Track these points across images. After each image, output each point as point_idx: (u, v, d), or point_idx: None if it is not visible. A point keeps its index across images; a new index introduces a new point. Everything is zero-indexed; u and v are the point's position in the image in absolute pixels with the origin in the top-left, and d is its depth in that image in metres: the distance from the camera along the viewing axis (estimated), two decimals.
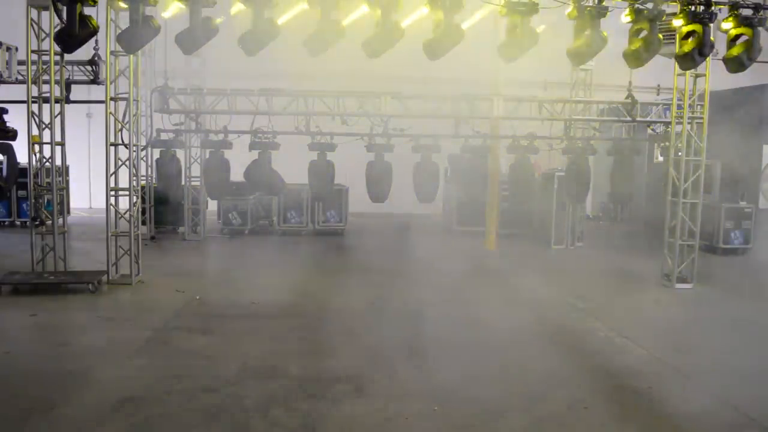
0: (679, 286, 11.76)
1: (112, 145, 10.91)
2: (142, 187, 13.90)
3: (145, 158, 15.73)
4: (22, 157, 11.03)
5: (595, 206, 22.66)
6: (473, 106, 12.86)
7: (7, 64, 10.51)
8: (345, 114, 12.43)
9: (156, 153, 14.62)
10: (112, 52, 10.62)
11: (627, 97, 13.17)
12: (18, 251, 12.41)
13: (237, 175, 12.89)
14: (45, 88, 10.78)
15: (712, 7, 8.75)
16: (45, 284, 10.55)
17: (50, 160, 10.96)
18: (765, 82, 15.92)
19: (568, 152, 13.66)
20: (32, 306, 9.56)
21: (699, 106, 11.81)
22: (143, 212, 14.85)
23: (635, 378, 7.21)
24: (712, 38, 8.94)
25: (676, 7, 9.04)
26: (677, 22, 9.00)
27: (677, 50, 9.14)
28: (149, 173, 16.48)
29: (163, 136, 13.09)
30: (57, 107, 10.89)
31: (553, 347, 8.30)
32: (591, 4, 8.72)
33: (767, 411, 6.44)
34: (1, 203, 17.80)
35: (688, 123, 11.72)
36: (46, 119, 10.83)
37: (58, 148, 10.99)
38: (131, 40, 8.78)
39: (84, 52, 10.91)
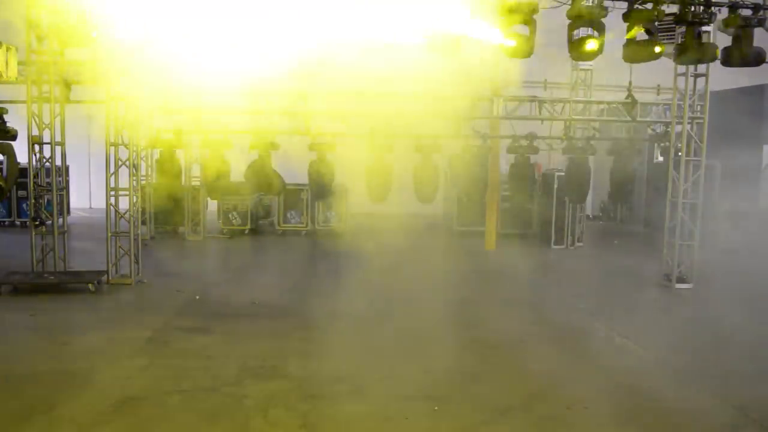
0: (678, 286, 11.76)
1: (112, 145, 10.91)
2: (142, 187, 13.90)
3: (144, 158, 15.72)
4: (22, 157, 11.01)
5: (595, 206, 22.66)
6: (473, 106, 12.85)
7: (7, 64, 10.49)
8: (345, 114, 12.42)
9: (156, 153, 14.62)
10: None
11: (627, 97, 13.16)
12: (18, 251, 12.40)
13: (237, 175, 12.88)
14: (45, 88, 10.78)
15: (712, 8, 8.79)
16: (45, 284, 10.54)
17: (50, 160, 10.96)
18: (765, 82, 15.94)
19: (568, 152, 13.66)
20: (32, 306, 9.56)
21: (699, 106, 11.81)
22: (143, 212, 14.85)
23: (635, 378, 7.21)
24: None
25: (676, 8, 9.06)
26: None
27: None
28: (149, 173, 16.46)
29: (163, 136, 13.08)
30: (57, 107, 10.88)
31: (554, 347, 8.30)
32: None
33: (767, 411, 6.44)
34: (1, 203, 17.78)
35: (688, 123, 11.72)
36: (46, 119, 10.83)
37: (58, 148, 10.98)
38: None
39: (84, 52, 10.89)
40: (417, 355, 7.81)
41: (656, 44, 8.87)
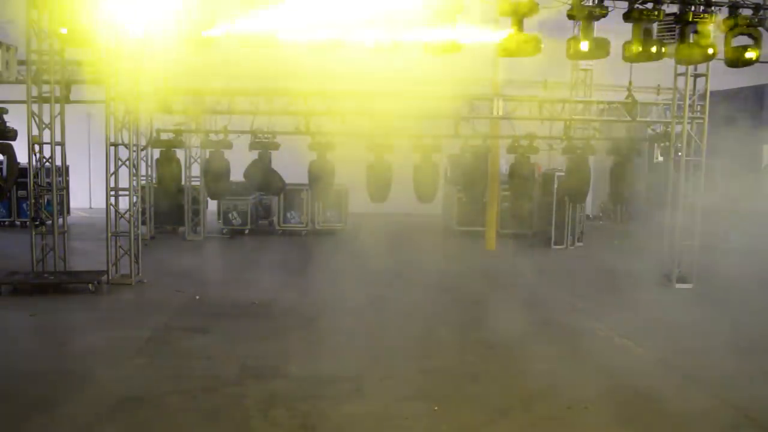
0: (679, 285, 11.76)
1: (112, 145, 10.91)
2: (142, 187, 13.89)
3: (144, 158, 15.70)
4: (22, 157, 11.02)
5: (595, 206, 22.65)
6: (473, 106, 12.85)
7: (7, 64, 10.49)
8: (345, 114, 12.41)
9: (156, 153, 14.60)
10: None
11: (627, 97, 13.14)
12: (18, 251, 12.40)
13: (237, 175, 12.88)
14: (45, 88, 10.78)
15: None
16: (45, 284, 10.54)
17: (50, 160, 10.95)
18: (765, 82, 15.94)
19: (568, 152, 13.64)
20: (32, 306, 9.56)
21: (699, 106, 11.81)
22: (143, 212, 14.85)
23: (635, 378, 7.21)
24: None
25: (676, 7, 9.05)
26: None
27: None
28: (149, 173, 16.45)
29: (163, 136, 13.08)
30: (57, 107, 10.88)
31: (554, 347, 8.30)
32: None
33: (767, 411, 6.44)
34: (1, 203, 17.77)
35: (688, 123, 11.72)
36: (46, 119, 10.82)
37: (58, 148, 10.98)
38: None
39: (84, 52, 10.90)
40: (417, 355, 7.81)
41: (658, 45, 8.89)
